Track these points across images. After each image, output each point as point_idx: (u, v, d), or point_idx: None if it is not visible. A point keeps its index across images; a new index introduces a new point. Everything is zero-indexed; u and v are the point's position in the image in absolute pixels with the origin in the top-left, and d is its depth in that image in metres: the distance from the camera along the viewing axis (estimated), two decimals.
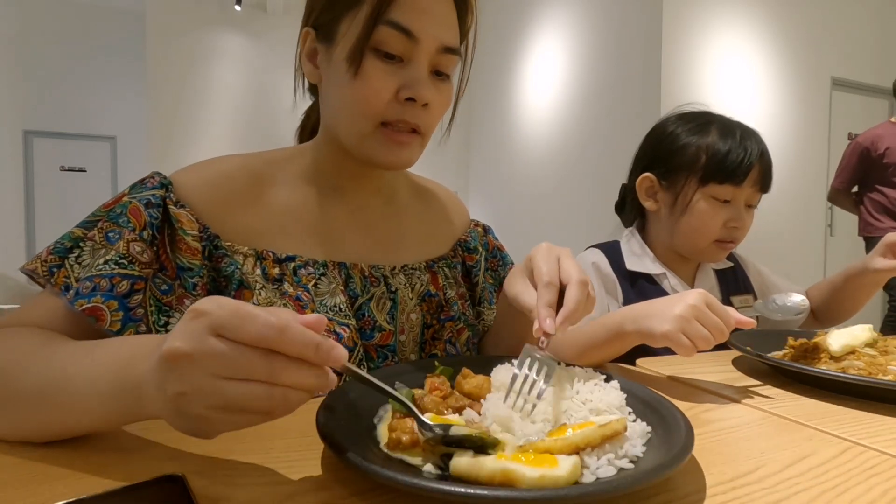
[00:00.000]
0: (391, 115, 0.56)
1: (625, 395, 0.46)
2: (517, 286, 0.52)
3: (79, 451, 0.39)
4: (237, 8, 5.01)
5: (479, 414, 0.41)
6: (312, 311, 0.58)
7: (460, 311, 0.71)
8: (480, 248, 0.79)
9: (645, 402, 0.46)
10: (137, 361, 0.35)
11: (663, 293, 0.93)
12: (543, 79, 4.40)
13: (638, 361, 0.78)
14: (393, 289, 0.66)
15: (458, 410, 0.41)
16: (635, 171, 1.01)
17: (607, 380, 0.47)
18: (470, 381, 0.45)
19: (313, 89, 0.69)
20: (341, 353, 0.33)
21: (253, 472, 0.37)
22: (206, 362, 0.30)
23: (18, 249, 5.95)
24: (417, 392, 0.44)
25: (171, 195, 0.56)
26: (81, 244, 0.52)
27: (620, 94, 3.53)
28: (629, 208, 1.06)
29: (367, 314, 0.63)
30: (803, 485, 0.38)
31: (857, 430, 0.50)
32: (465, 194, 5.36)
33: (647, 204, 0.97)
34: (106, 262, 0.51)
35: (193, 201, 0.57)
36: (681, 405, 0.57)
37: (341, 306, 0.60)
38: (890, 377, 0.60)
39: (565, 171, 4.14)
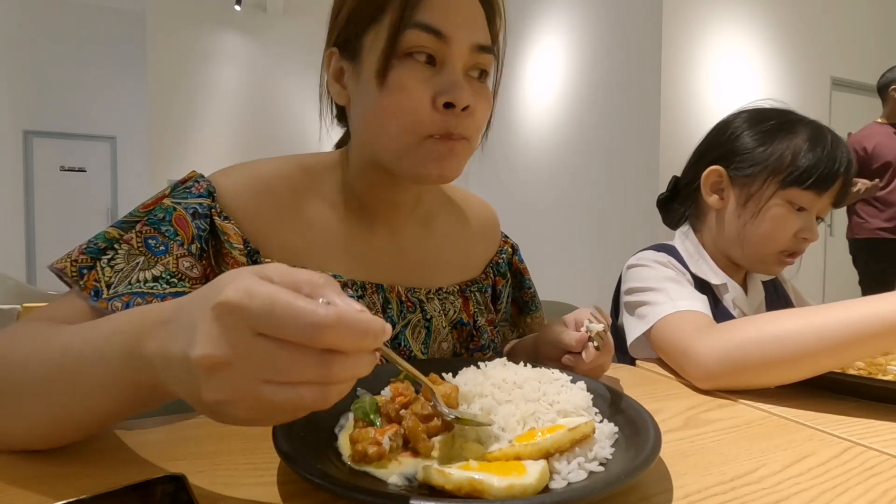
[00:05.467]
0: (434, 128, 0.52)
1: (591, 396, 0.45)
2: (558, 327, 0.61)
3: (79, 451, 0.39)
4: (237, 8, 5.01)
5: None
6: None
7: (489, 339, 0.70)
8: (508, 274, 0.78)
9: (611, 402, 0.46)
10: (146, 336, 0.31)
11: (725, 310, 0.85)
12: (543, 79, 4.41)
13: (638, 362, 0.78)
14: (428, 316, 0.64)
15: (426, 419, 0.39)
16: (699, 162, 0.91)
17: (573, 381, 0.47)
18: (437, 388, 0.42)
19: (341, 117, 0.66)
20: (389, 328, 0.28)
21: (253, 472, 0.37)
22: (249, 369, 0.26)
23: (18, 249, 5.95)
24: (381, 399, 0.43)
25: (217, 205, 0.54)
26: (116, 246, 0.49)
27: (620, 93, 3.53)
28: (681, 203, 0.96)
29: (402, 343, 0.61)
30: (803, 485, 0.38)
31: (857, 430, 0.50)
32: None
33: (711, 200, 0.88)
34: (157, 280, 0.48)
35: (236, 212, 0.55)
36: (681, 405, 0.57)
37: None
38: (889, 377, 0.60)
39: (565, 171, 4.14)
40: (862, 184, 2.37)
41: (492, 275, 0.75)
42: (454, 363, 0.52)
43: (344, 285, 0.58)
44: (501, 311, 0.77)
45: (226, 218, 0.54)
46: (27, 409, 0.37)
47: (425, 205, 0.70)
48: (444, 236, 0.71)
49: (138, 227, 0.50)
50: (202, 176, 0.55)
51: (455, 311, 0.67)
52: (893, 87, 2.65)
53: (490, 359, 0.64)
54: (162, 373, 0.30)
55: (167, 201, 0.52)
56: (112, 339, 0.34)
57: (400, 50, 0.51)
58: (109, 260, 0.48)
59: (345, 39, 0.56)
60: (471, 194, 0.80)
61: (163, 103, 4.92)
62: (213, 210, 0.53)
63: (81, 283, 0.47)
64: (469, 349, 0.68)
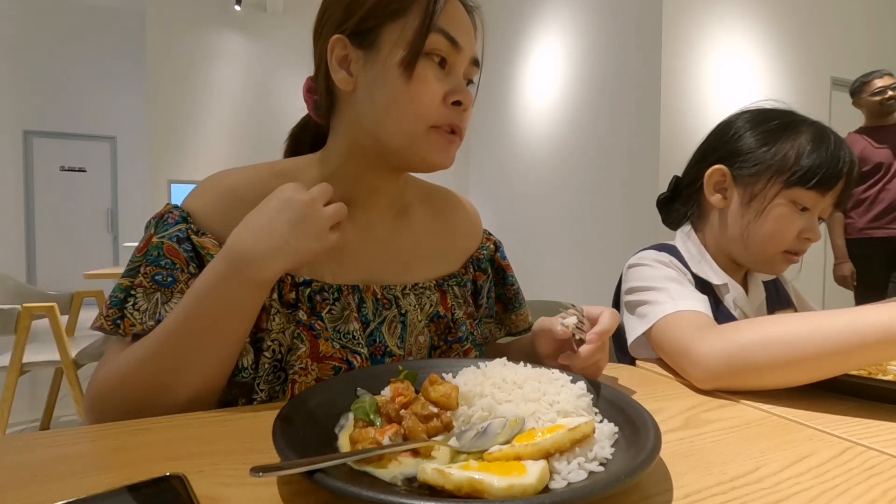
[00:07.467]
0: (439, 118, 0.59)
1: (591, 396, 0.45)
2: (550, 319, 0.62)
3: (79, 451, 0.39)
4: (237, 8, 5.01)
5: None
6: (326, 340, 0.59)
7: (468, 332, 0.70)
8: (489, 269, 0.78)
9: (611, 402, 0.46)
10: (238, 245, 0.51)
11: (727, 311, 0.86)
12: (543, 79, 4.41)
13: (638, 362, 0.78)
14: (403, 311, 0.66)
15: (426, 419, 0.39)
16: (701, 162, 0.91)
17: (573, 381, 0.47)
18: (437, 388, 0.43)
19: (328, 111, 0.66)
20: (344, 209, 0.55)
21: None
22: (329, 220, 0.53)
23: (18, 249, 5.96)
24: (381, 399, 0.43)
25: (192, 226, 0.58)
26: (133, 292, 0.55)
27: (620, 94, 3.53)
28: (682, 203, 0.96)
29: (378, 340, 0.63)
30: (803, 485, 0.38)
31: (857, 430, 0.50)
32: (465, 194, 5.34)
33: (714, 199, 0.88)
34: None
35: (214, 228, 0.59)
36: (681, 405, 0.57)
37: (355, 333, 0.61)
38: (889, 377, 0.60)
39: (565, 171, 4.14)
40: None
41: (472, 270, 0.76)
42: (454, 364, 0.52)
43: (319, 290, 0.61)
44: (483, 307, 0.77)
45: (203, 234, 0.58)
46: (187, 363, 0.51)
47: (404, 198, 0.72)
48: (422, 229, 0.72)
49: (142, 269, 0.56)
50: (175, 206, 0.60)
51: (432, 305, 0.68)
52: (855, 98, 2.74)
53: (468, 352, 0.65)
54: (269, 245, 0.50)
55: (155, 239, 0.57)
56: (217, 267, 0.51)
57: (425, 49, 0.57)
58: (133, 304, 0.55)
59: (360, 29, 0.59)
60: (450, 191, 0.81)
61: (163, 103, 4.91)
62: (189, 231, 0.58)
63: (120, 332, 0.54)
64: (447, 341, 0.69)
